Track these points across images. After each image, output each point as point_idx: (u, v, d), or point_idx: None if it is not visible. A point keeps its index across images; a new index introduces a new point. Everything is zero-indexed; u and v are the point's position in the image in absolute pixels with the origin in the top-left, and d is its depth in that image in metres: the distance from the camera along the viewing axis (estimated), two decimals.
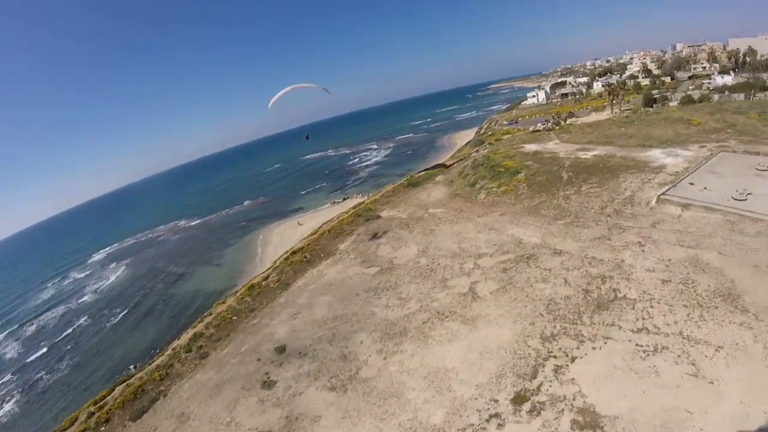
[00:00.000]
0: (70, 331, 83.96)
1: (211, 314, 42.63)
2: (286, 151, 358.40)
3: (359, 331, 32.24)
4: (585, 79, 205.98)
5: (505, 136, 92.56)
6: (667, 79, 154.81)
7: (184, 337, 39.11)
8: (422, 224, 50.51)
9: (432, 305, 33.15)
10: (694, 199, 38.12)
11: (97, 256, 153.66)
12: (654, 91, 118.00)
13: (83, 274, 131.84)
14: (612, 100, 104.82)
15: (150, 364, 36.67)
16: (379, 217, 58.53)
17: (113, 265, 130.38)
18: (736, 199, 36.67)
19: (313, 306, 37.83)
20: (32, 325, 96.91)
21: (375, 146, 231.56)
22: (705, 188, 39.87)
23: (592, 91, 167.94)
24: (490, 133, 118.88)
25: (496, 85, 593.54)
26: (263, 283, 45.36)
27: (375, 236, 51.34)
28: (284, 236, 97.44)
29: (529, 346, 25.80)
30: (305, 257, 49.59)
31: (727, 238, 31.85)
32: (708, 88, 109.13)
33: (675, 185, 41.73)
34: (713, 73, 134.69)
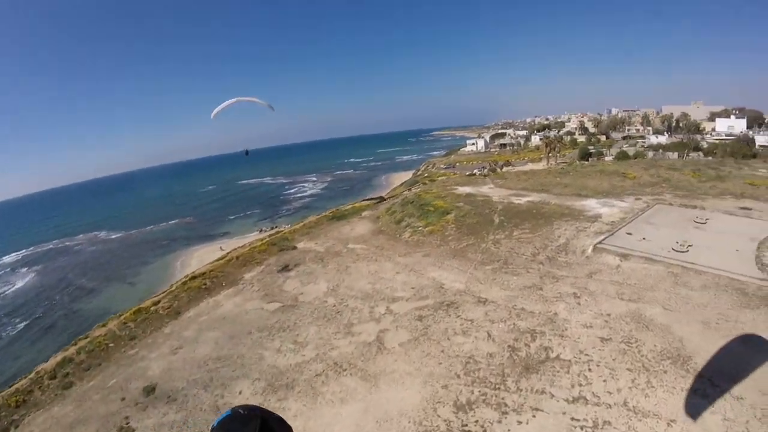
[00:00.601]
0: None
1: (87, 337, 36.06)
2: (225, 173, 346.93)
3: (241, 378, 26.40)
4: (524, 132, 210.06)
5: (440, 178, 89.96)
6: (603, 138, 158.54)
7: (52, 361, 32.73)
8: (338, 260, 45.23)
9: (330, 354, 27.52)
10: (633, 249, 34.71)
11: (8, 258, 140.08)
12: (590, 147, 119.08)
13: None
14: (549, 152, 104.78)
15: (10, 387, 30.34)
16: (294, 248, 52.78)
17: (24, 270, 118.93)
18: (677, 251, 33.72)
19: (199, 341, 31.79)
20: None
21: (314, 178, 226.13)
22: (644, 239, 36.77)
23: (530, 143, 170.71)
24: (426, 174, 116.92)
25: (438, 132, 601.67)
26: (152, 308, 39.34)
27: (285, 268, 45.80)
28: (203, 260, 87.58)
29: (438, 416, 20.47)
30: (205, 284, 43.77)
31: (671, 292, 28.32)
32: (643, 145, 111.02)
33: (612, 234, 38.49)
34: (647, 135, 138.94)
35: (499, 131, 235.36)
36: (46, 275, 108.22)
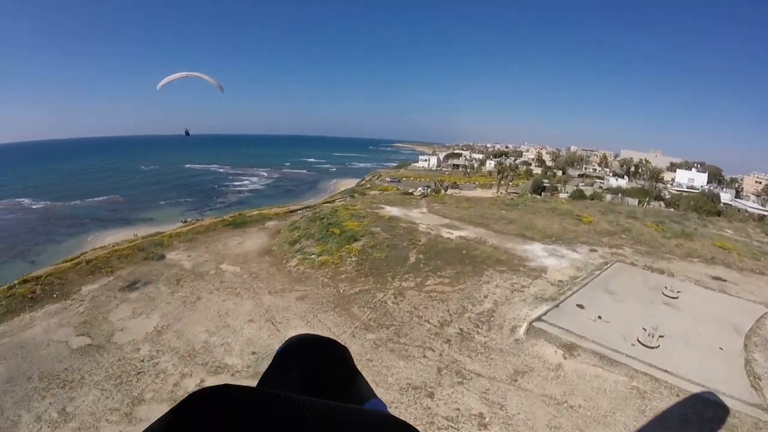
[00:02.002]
0: None
1: None
2: (174, 154, 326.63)
3: None
4: (480, 156, 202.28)
5: (372, 192, 79.15)
6: (559, 173, 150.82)
7: None
8: (196, 284, 33.38)
9: None
10: (584, 335, 23.28)
11: None
12: (545, 180, 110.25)
13: None
14: (500, 180, 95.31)
15: None
16: (162, 257, 40.65)
17: None
18: (644, 345, 22.55)
19: None
20: None
21: (264, 173, 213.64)
22: (599, 317, 25.43)
23: (484, 167, 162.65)
24: (368, 186, 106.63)
25: (400, 144, 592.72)
26: None
27: (131, 286, 34.14)
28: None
29: None
30: (34, 292, 32.69)
31: (636, 427, 17.22)
32: (601, 186, 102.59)
33: (557, 305, 26.94)
34: (606, 176, 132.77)
35: (456, 151, 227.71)
36: None
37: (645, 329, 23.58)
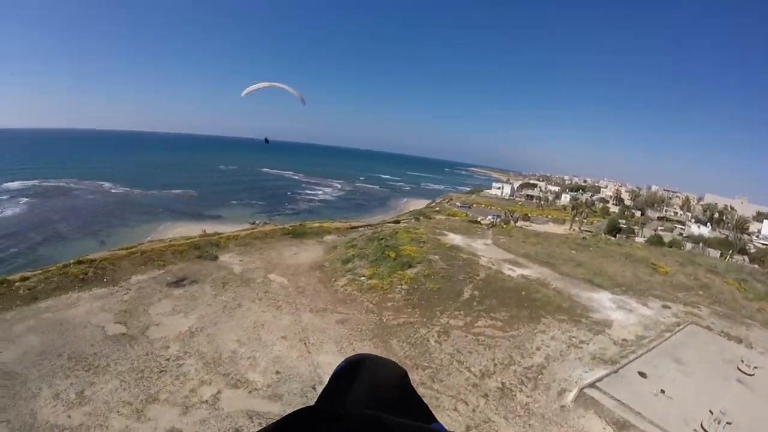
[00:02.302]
0: None
1: None
2: (251, 157, 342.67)
3: None
4: (556, 188, 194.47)
5: (438, 217, 76.95)
6: (638, 214, 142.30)
7: None
8: (241, 291, 32.97)
9: None
10: (641, 412, 20.39)
11: (13, 185, 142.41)
12: (621, 220, 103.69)
13: None
14: (574, 216, 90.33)
15: None
16: (216, 258, 41.03)
17: (22, 200, 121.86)
18: None
19: (12, 343, 23.49)
20: None
21: (338, 185, 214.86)
22: (662, 391, 22.40)
23: (558, 201, 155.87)
24: (437, 209, 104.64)
25: (475, 169, 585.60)
26: (16, 284, 30.77)
27: (178, 282, 34.50)
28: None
29: None
30: (86, 273, 34.03)
31: None
32: (681, 233, 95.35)
33: (616, 371, 24.05)
34: (687, 221, 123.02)
35: (531, 181, 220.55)
36: (36, 211, 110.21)
37: (711, 412, 20.52)
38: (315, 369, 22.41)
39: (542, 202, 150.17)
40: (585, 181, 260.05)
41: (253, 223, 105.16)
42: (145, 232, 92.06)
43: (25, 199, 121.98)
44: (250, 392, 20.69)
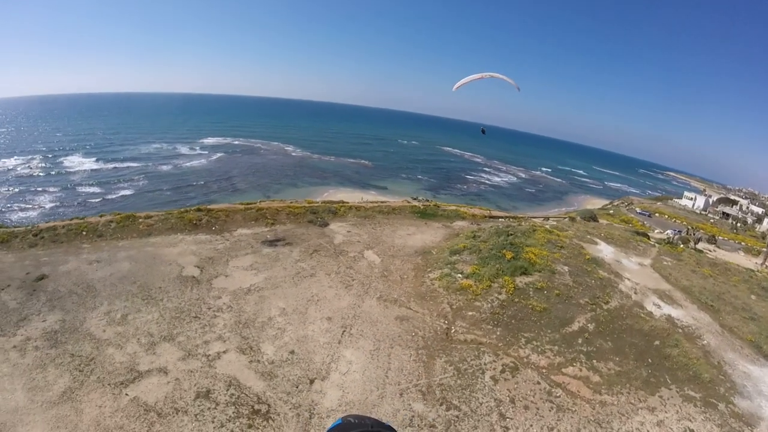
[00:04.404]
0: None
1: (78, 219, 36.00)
2: (436, 135, 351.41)
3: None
4: (760, 210, 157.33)
5: (603, 221, 67.49)
6: None
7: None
8: (326, 261, 32.08)
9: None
10: None
11: (207, 140, 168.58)
12: None
13: (191, 152, 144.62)
14: None
15: None
16: (326, 224, 41.14)
17: (212, 154, 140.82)
18: None
19: (112, 265, 27.90)
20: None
21: (520, 173, 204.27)
22: None
23: (758, 226, 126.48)
24: (611, 211, 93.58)
25: (674, 174, 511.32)
26: (140, 220, 35.71)
27: (275, 241, 35.19)
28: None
29: None
30: (200, 219, 37.77)
31: None
32: None
33: None
34: None
35: (732, 197, 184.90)
36: (222, 164, 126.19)
37: None
38: (330, 362, 19.86)
39: (738, 224, 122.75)
40: None
41: (414, 198, 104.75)
42: (310, 192, 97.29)
43: (218, 155, 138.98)
44: (250, 362, 19.56)
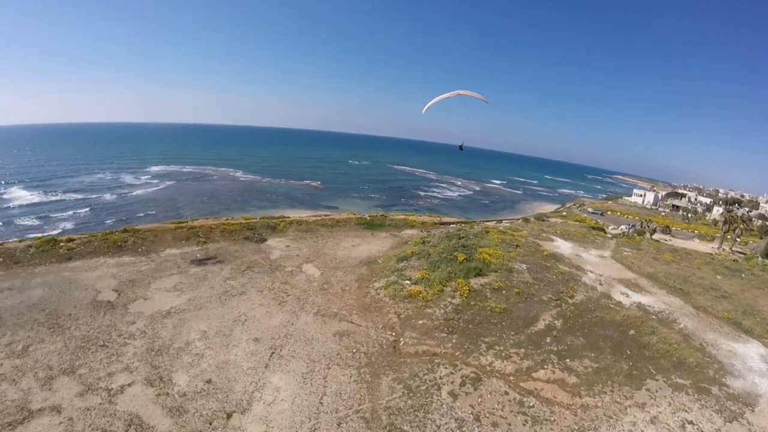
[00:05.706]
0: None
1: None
2: (386, 154, 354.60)
3: None
4: (708, 201, 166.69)
5: (555, 219, 67.50)
6: None
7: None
8: (258, 278, 29.33)
9: None
10: None
11: (154, 168, 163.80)
12: None
13: (137, 181, 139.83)
14: (725, 232, 72.70)
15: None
16: (263, 241, 38.35)
17: (158, 181, 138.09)
18: None
19: (23, 292, 25.17)
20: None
21: (471, 185, 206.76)
22: None
23: (709, 215, 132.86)
24: (564, 213, 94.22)
25: (621, 177, 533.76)
26: (61, 244, 32.99)
27: (204, 261, 32.22)
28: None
29: None
30: (125, 241, 34.78)
31: None
32: None
33: None
34: None
35: (680, 191, 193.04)
36: (169, 191, 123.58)
37: None
38: (254, 391, 17.00)
39: (689, 215, 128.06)
40: (742, 196, 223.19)
41: (369, 216, 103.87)
42: (258, 216, 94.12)
43: (167, 182, 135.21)
44: (158, 395, 16.63)
